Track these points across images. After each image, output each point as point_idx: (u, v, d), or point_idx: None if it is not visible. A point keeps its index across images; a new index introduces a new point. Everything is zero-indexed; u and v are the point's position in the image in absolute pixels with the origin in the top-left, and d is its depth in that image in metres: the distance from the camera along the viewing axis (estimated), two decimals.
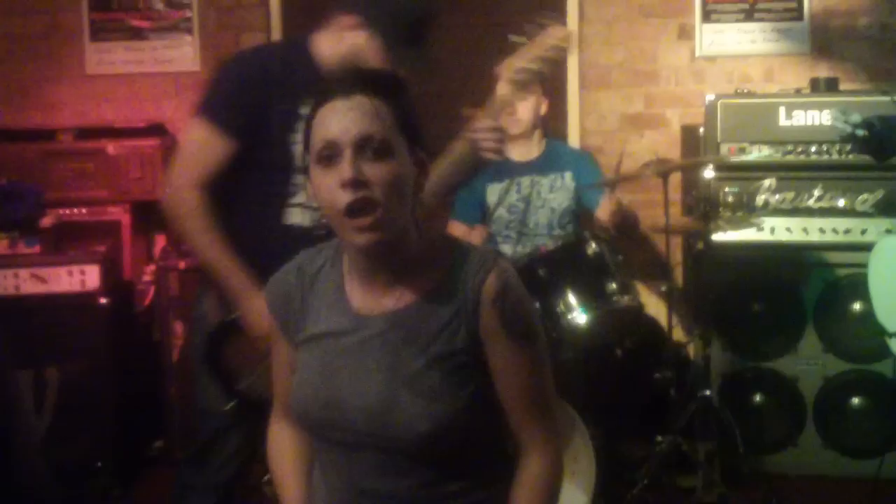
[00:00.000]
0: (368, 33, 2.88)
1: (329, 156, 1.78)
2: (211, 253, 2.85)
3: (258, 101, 2.87)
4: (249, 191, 2.92)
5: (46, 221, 4.50)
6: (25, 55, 5.24)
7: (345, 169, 1.76)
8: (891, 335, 3.25)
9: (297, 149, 2.86)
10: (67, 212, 4.75)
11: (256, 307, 2.77)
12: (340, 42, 2.92)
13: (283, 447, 2.10)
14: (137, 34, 5.27)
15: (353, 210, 1.76)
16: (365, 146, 1.77)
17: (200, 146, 2.88)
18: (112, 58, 5.27)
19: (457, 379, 1.84)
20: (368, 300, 1.90)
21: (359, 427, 1.84)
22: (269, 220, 2.92)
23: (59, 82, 5.27)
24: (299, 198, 2.91)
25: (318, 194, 1.82)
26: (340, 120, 1.79)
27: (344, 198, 1.76)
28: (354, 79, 1.87)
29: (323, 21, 3.00)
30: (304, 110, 2.84)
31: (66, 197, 4.78)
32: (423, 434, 1.80)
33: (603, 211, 4.21)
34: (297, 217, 2.92)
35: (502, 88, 3.00)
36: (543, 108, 4.44)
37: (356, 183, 1.75)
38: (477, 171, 3.05)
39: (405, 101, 1.88)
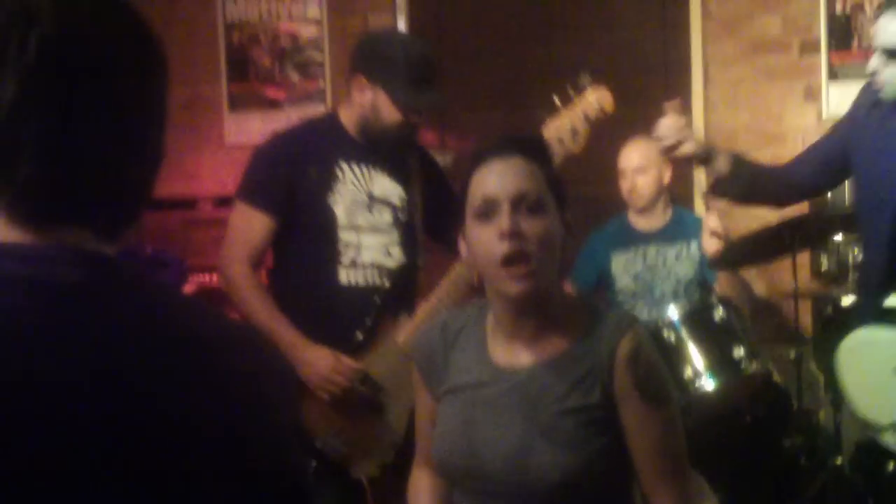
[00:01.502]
0: (373, 88, 3.03)
1: (487, 212, 1.91)
2: (260, 315, 3.02)
3: (292, 171, 3.07)
4: (301, 254, 3.12)
5: (189, 288, 4.70)
6: (168, 126, 5.43)
7: (503, 221, 1.88)
8: (885, 428, 3.18)
9: (338, 209, 3.07)
10: (207, 278, 4.90)
11: (308, 359, 2.96)
12: (356, 105, 3.09)
13: (422, 485, 2.21)
14: (273, 104, 5.46)
15: (509, 260, 1.87)
16: (521, 202, 1.90)
17: (241, 226, 3.11)
18: (249, 127, 5.42)
19: (590, 430, 1.91)
20: (509, 355, 2.00)
21: (496, 476, 1.93)
22: (324, 280, 3.09)
23: (199, 152, 5.46)
24: (349, 256, 3.08)
25: (475, 247, 1.94)
26: (499, 178, 1.92)
27: (501, 248, 1.87)
28: (510, 142, 1.99)
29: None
30: (338, 171, 3.06)
31: (206, 263, 4.88)
32: (556, 483, 1.88)
33: (721, 284, 4.17)
34: (350, 276, 3.09)
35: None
36: (667, 178, 4.34)
37: (513, 234, 1.87)
38: None
39: (553, 165, 2.00)
